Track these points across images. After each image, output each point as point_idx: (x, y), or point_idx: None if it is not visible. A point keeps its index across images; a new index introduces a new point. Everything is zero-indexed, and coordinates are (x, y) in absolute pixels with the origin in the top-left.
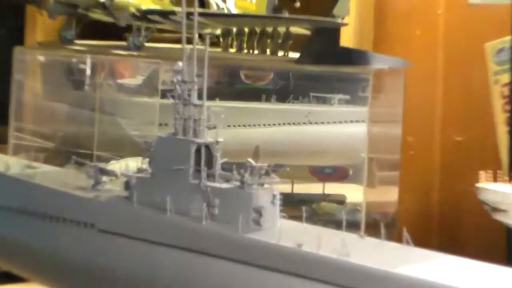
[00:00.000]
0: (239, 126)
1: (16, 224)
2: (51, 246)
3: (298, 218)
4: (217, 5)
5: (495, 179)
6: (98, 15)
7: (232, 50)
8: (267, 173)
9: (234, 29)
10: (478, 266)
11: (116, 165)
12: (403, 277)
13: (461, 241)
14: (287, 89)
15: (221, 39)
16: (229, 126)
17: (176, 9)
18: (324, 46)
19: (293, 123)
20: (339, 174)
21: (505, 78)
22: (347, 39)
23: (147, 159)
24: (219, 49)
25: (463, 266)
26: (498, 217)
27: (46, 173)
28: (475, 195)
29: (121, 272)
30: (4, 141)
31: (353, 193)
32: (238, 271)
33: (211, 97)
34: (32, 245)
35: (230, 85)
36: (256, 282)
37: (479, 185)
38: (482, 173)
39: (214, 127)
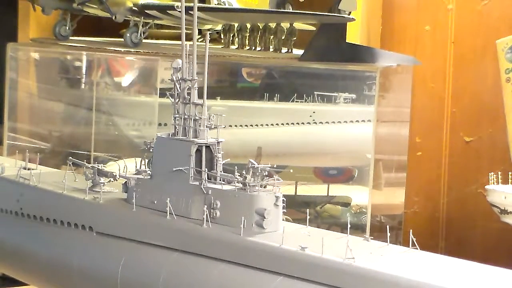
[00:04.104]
0: (241, 126)
1: (12, 227)
2: (48, 250)
3: (302, 220)
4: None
5: (504, 181)
6: (94, 10)
7: (234, 47)
8: (269, 175)
9: (236, 25)
10: (486, 270)
11: (114, 166)
12: (409, 281)
13: (469, 244)
14: (290, 87)
15: (222, 35)
16: (230, 126)
17: (175, 3)
18: (330, 42)
19: (297, 123)
20: (344, 175)
21: None
22: (353, 35)
23: (146, 160)
24: (220, 46)
25: (470, 270)
26: (507, 219)
27: (43, 175)
28: (484, 197)
29: (120, 276)
30: None
31: (359, 195)
32: (240, 274)
33: (212, 95)
34: (29, 249)
35: (232, 84)
36: (259, 286)
37: (488, 187)
38: (491, 175)
39: (215, 127)
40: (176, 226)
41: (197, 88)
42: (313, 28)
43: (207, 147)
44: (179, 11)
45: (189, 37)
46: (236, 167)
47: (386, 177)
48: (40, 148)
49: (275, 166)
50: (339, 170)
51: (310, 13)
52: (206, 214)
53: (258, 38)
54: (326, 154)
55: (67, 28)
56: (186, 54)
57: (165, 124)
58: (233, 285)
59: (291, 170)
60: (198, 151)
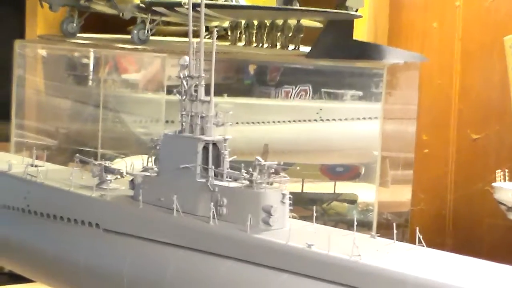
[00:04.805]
0: (248, 123)
1: (20, 224)
2: (55, 246)
3: (308, 218)
4: None
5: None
6: (101, 7)
7: (241, 44)
8: (276, 172)
9: (243, 22)
10: (492, 267)
11: (121, 164)
12: (416, 279)
13: (476, 242)
14: (297, 84)
15: (229, 32)
16: (237, 123)
17: (183, 0)
18: (337, 40)
19: (304, 120)
20: (350, 173)
21: None
22: (361, 32)
23: (153, 157)
24: (227, 43)
25: (477, 268)
26: None
27: (50, 172)
28: (491, 194)
29: (127, 273)
30: (6, 138)
31: (365, 192)
32: (247, 272)
33: (219, 93)
34: (36, 246)
35: (239, 81)
36: (265, 283)
37: (495, 184)
38: (498, 172)
39: (222, 124)
40: (183, 223)
41: (204, 85)
42: (320, 25)
43: (214, 144)
44: (186, 8)
45: (196, 34)
46: (242, 164)
47: (392, 174)
48: (47, 145)
49: (281, 163)
50: (346, 168)
51: (317, 10)
52: (213, 212)
53: (265, 35)
54: (333, 151)
55: (75, 25)
56: (193, 51)
57: (172, 121)
58: (240, 282)
59: (298, 168)
60: (205, 148)
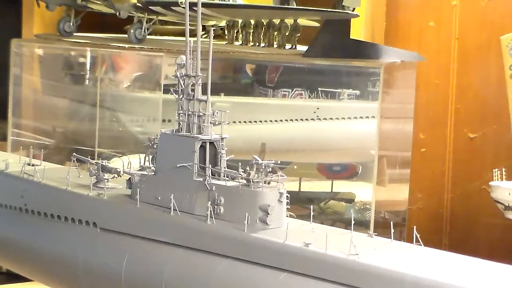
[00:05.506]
0: (245, 122)
1: (17, 223)
2: (52, 246)
3: (305, 217)
4: None
5: (509, 177)
6: (98, 6)
7: (238, 43)
8: (273, 171)
9: (240, 21)
10: (490, 266)
11: (118, 162)
12: (413, 277)
13: (473, 241)
14: (294, 83)
15: (226, 32)
16: (234, 122)
17: None
18: (334, 39)
19: (301, 119)
20: (348, 172)
21: None
22: (357, 31)
23: (150, 156)
24: (224, 42)
25: (474, 266)
26: (511, 216)
27: (47, 171)
28: (488, 193)
29: (124, 272)
30: (3, 137)
31: (363, 191)
32: (244, 271)
33: (215, 92)
34: (33, 245)
35: (235, 80)
36: (262, 283)
37: (492, 183)
38: (495, 171)
39: (219, 123)
40: (180, 222)
41: (201, 84)
42: (317, 24)
43: (211, 143)
44: (183, 7)
45: (193, 33)
46: (240, 163)
47: (390, 173)
48: (44, 144)
49: (279, 162)
50: (343, 166)
51: (314, 9)
52: (210, 210)
53: (262, 34)
54: (330, 150)
55: (71, 24)
56: (190, 50)
57: (169, 121)
58: (237, 281)
59: (295, 167)
60: (202, 147)
